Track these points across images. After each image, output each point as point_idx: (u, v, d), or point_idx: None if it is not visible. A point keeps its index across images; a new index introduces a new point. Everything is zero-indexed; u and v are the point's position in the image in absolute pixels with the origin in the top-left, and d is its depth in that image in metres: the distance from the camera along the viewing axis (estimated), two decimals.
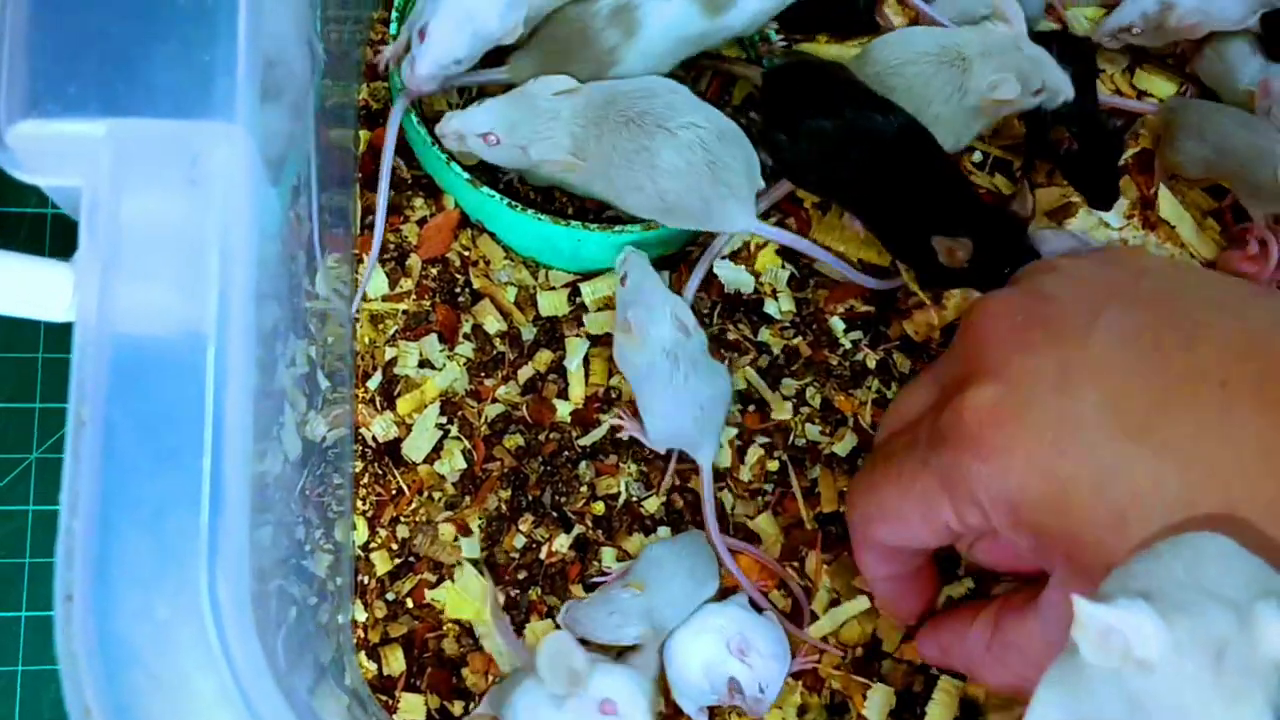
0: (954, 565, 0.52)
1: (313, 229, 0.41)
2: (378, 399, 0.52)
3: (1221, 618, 0.28)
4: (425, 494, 0.52)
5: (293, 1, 0.37)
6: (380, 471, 0.52)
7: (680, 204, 0.48)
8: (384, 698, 0.49)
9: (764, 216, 0.54)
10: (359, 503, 0.51)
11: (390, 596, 0.51)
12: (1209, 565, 0.29)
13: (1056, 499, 0.37)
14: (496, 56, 0.50)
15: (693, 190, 0.48)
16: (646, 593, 0.48)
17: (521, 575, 0.52)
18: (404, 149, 0.53)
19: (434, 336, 0.53)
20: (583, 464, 0.53)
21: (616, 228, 0.51)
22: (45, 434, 0.53)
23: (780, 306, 0.55)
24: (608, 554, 0.52)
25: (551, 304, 0.54)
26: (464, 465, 0.52)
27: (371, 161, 0.54)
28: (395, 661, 0.50)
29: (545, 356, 0.53)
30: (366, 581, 0.51)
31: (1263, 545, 0.32)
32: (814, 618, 0.52)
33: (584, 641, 0.50)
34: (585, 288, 0.54)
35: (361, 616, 0.50)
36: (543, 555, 0.52)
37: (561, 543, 0.52)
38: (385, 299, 0.53)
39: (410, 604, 0.51)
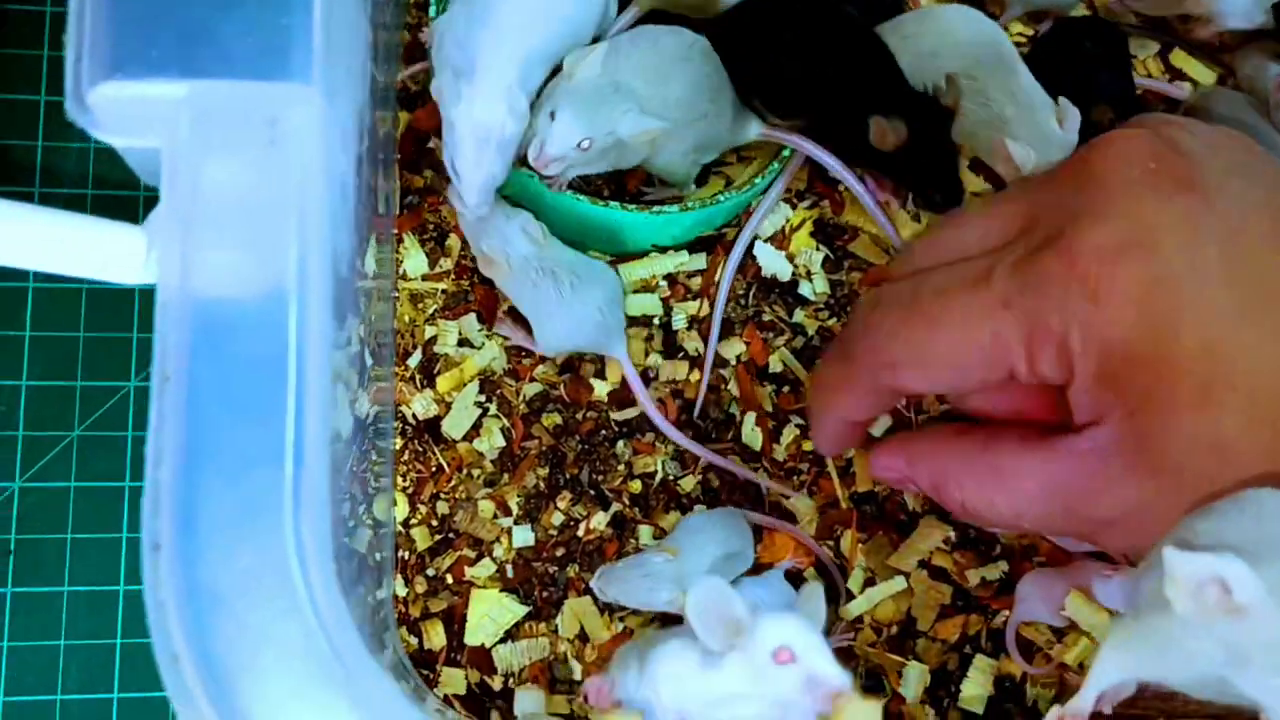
0: (989, 547, 0.53)
1: (361, 206, 0.41)
2: (418, 377, 0.53)
3: None
4: (465, 471, 0.52)
5: None
6: (420, 449, 0.52)
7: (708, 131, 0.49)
8: (425, 671, 0.50)
9: (795, 198, 0.54)
10: (399, 479, 0.52)
11: (430, 572, 0.51)
12: (1274, 520, 0.29)
13: (1155, 354, 0.35)
14: None
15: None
16: (680, 559, 0.48)
17: (559, 553, 0.52)
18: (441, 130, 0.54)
19: (473, 316, 0.53)
20: (620, 443, 0.53)
21: (654, 209, 0.52)
22: (86, 412, 0.53)
23: (815, 288, 0.55)
24: (645, 532, 0.52)
25: None
26: (503, 443, 0.52)
27: (410, 143, 0.54)
28: (436, 636, 0.50)
29: None
30: (407, 557, 0.51)
31: None
32: (850, 596, 0.52)
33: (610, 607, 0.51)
34: (623, 269, 0.54)
35: (402, 591, 0.51)
36: (580, 533, 0.52)
37: (599, 520, 0.52)
38: (425, 278, 0.53)
39: (450, 580, 0.51)
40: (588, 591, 0.52)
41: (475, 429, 0.52)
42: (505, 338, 0.52)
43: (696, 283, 0.55)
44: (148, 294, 0.55)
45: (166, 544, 0.27)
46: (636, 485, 0.53)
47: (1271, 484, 0.33)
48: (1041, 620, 0.52)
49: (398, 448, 0.52)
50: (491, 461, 0.52)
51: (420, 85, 0.55)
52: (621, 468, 0.53)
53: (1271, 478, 0.33)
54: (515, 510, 0.52)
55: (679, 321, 0.54)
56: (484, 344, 0.53)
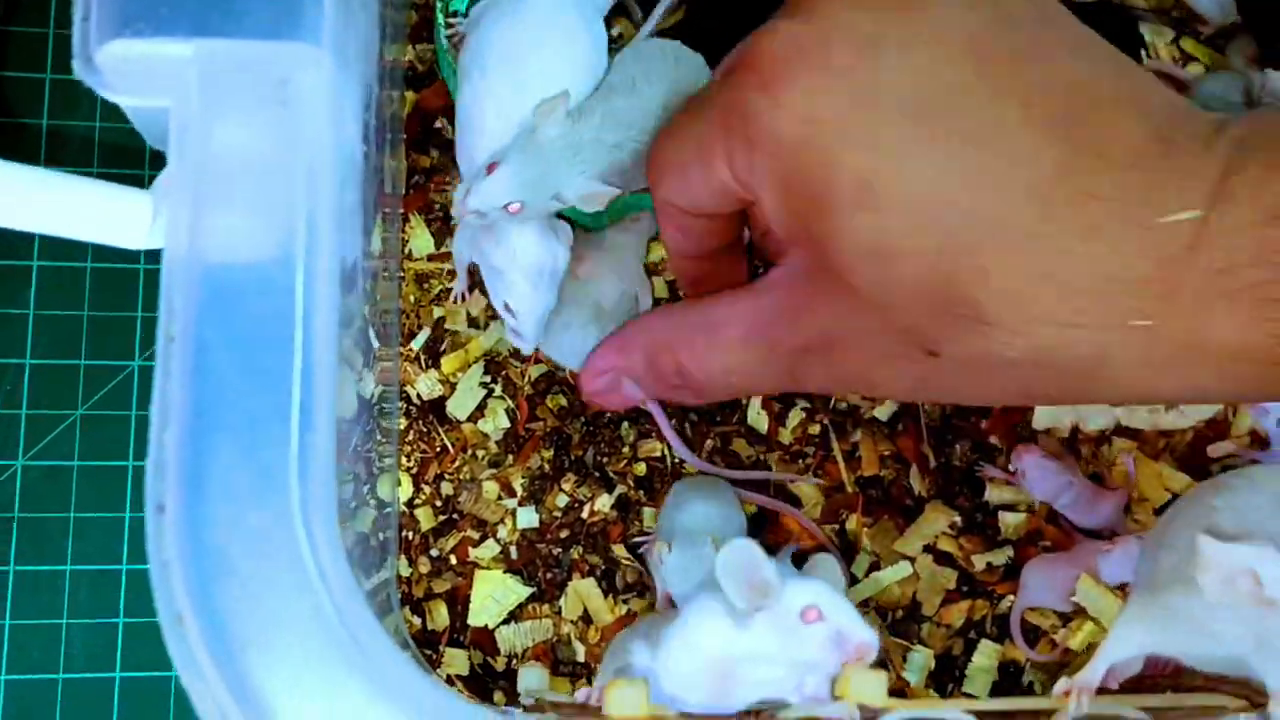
0: (995, 532, 0.53)
1: (368, 181, 0.41)
2: (422, 358, 0.52)
3: None
4: (469, 452, 0.52)
5: None
6: (425, 429, 0.52)
7: None
8: (428, 651, 0.50)
9: None
10: (404, 459, 0.51)
11: (434, 553, 0.51)
12: None
13: (820, 149, 0.34)
14: None
15: None
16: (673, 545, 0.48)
17: (564, 534, 0.52)
18: (449, 109, 0.53)
19: (478, 296, 0.53)
20: (624, 425, 0.53)
21: None
22: (91, 391, 0.53)
23: None
24: (649, 514, 0.52)
25: None
26: (507, 424, 0.52)
27: (417, 123, 0.54)
28: (439, 616, 0.50)
29: None
30: (411, 537, 0.51)
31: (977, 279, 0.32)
32: (854, 580, 0.52)
33: (615, 588, 0.51)
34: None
35: (406, 572, 0.51)
36: (585, 515, 0.52)
37: (604, 502, 0.52)
38: (431, 258, 0.53)
39: (454, 560, 0.51)
40: (591, 573, 0.51)
41: (480, 410, 0.52)
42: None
43: None
44: (152, 273, 0.55)
45: (171, 505, 0.26)
46: (641, 468, 0.53)
47: (939, 296, 0.33)
48: (1046, 606, 0.52)
49: (402, 428, 0.52)
50: (496, 443, 0.52)
51: (426, 66, 0.55)
52: (626, 450, 0.53)
53: (938, 292, 0.33)
54: (519, 492, 0.52)
55: None
56: (489, 325, 0.53)
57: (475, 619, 0.50)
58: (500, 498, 0.52)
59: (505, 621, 0.51)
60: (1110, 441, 0.54)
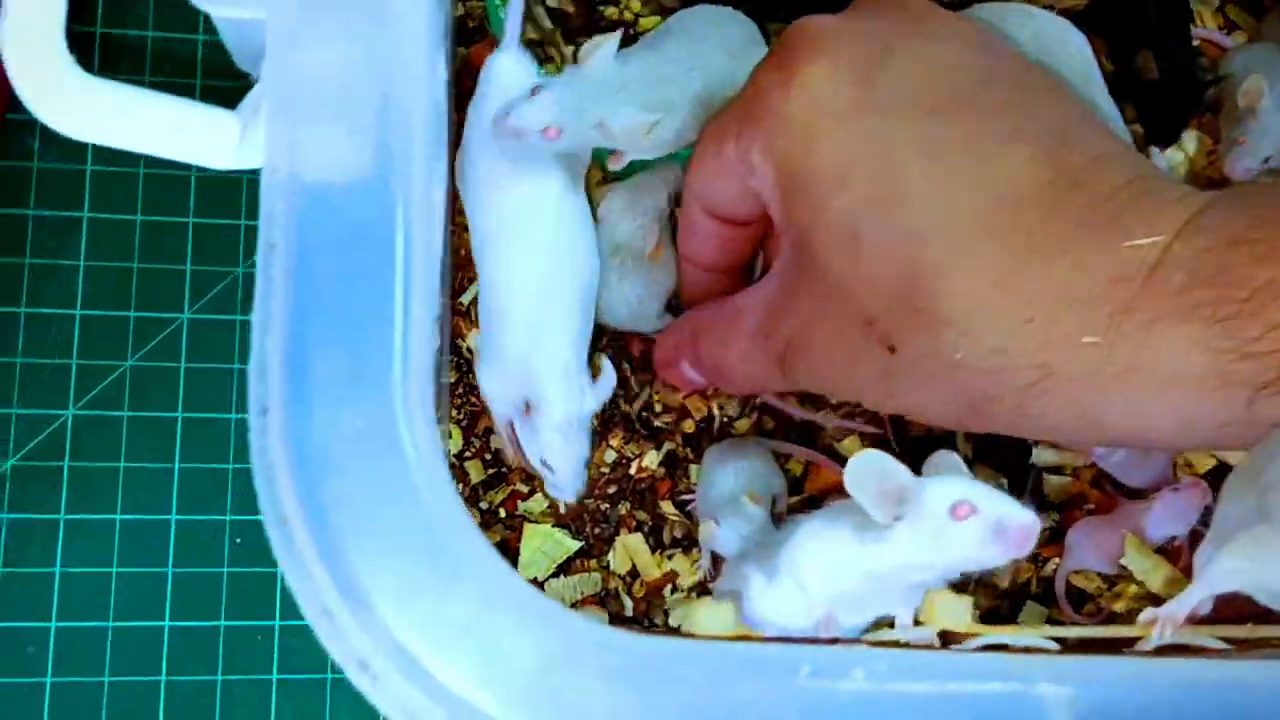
0: (1040, 495, 0.53)
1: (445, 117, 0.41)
2: (471, 311, 0.52)
3: None
4: None
5: None
6: (474, 383, 0.52)
7: None
8: None
9: None
10: (454, 412, 0.51)
11: (484, 505, 0.51)
12: None
13: (813, 130, 0.35)
14: None
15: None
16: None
17: (611, 490, 0.52)
18: None
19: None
20: None
21: None
22: (139, 344, 0.53)
23: None
24: (695, 471, 0.52)
25: None
26: None
27: (468, 78, 0.54)
28: None
29: None
30: (461, 489, 0.51)
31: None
32: None
33: (661, 544, 0.51)
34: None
35: None
36: (633, 471, 0.52)
37: (651, 459, 0.52)
38: None
39: (503, 513, 0.51)
40: (639, 528, 0.51)
41: None
42: None
43: None
44: (200, 226, 0.54)
45: (275, 407, 0.26)
46: (690, 425, 0.53)
47: (902, 287, 0.33)
48: (1092, 568, 0.52)
49: (453, 380, 0.52)
50: None
51: (477, 21, 0.55)
52: (675, 407, 0.53)
53: (902, 282, 0.34)
54: None
55: None
56: None
57: (525, 571, 0.50)
58: None
59: (554, 574, 0.51)
60: None
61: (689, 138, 0.44)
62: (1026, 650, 0.33)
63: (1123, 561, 0.51)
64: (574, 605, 0.50)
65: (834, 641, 0.32)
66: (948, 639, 0.32)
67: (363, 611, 0.26)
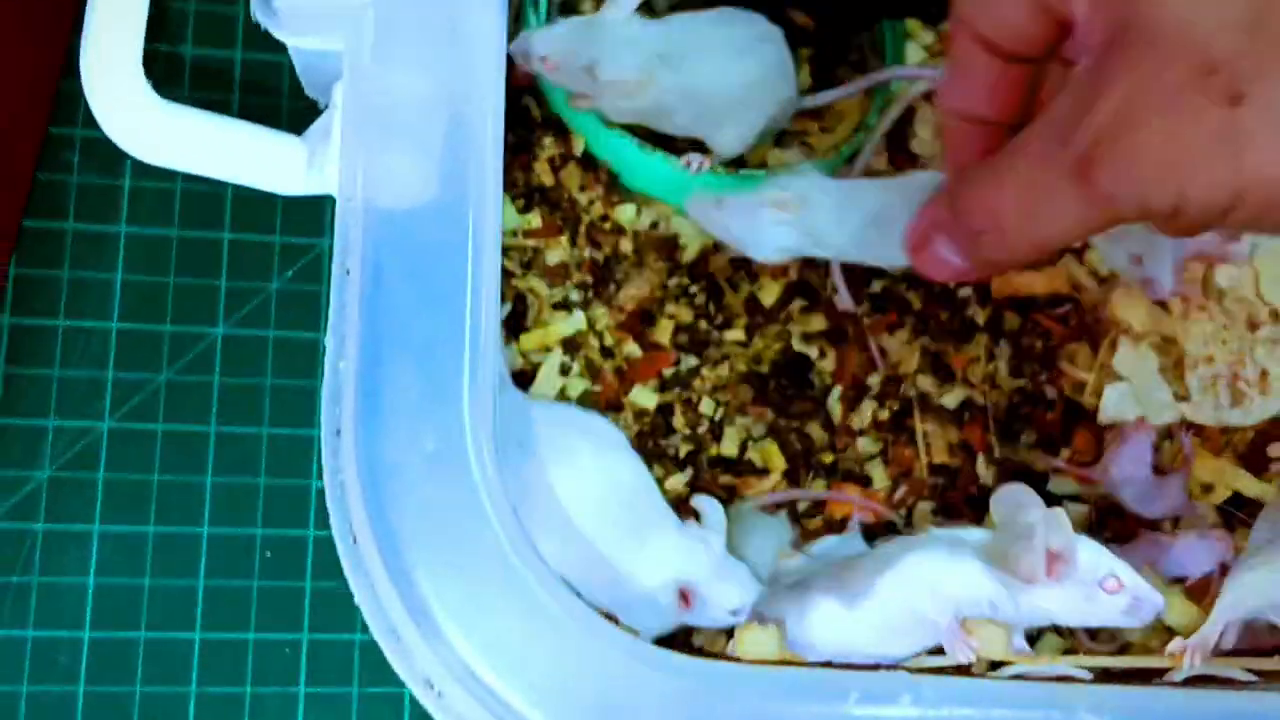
0: None
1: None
2: (502, 330, 0.53)
3: None
4: None
5: None
6: None
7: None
8: None
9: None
10: None
11: None
12: None
13: None
14: None
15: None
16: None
17: None
18: (535, 89, 0.54)
19: (562, 273, 0.54)
20: (705, 402, 0.54)
21: (741, 172, 0.52)
22: (175, 355, 0.54)
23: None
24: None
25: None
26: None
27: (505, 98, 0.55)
28: None
29: None
30: None
31: None
32: None
33: None
34: None
35: None
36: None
37: (676, 480, 0.53)
38: (513, 233, 0.54)
39: None
40: None
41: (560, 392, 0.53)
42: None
43: None
44: (236, 243, 0.55)
45: (347, 428, 0.27)
46: (728, 450, 0.54)
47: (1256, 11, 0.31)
48: None
49: None
50: None
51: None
52: (704, 434, 0.53)
53: (1254, 8, 0.31)
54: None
55: None
56: (574, 310, 0.54)
57: None
58: None
59: None
60: (1172, 436, 0.55)
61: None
62: (1059, 679, 0.34)
63: None
64: None
65: (876, 668, 0.33)
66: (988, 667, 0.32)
67: (429, 630, 0.26)
